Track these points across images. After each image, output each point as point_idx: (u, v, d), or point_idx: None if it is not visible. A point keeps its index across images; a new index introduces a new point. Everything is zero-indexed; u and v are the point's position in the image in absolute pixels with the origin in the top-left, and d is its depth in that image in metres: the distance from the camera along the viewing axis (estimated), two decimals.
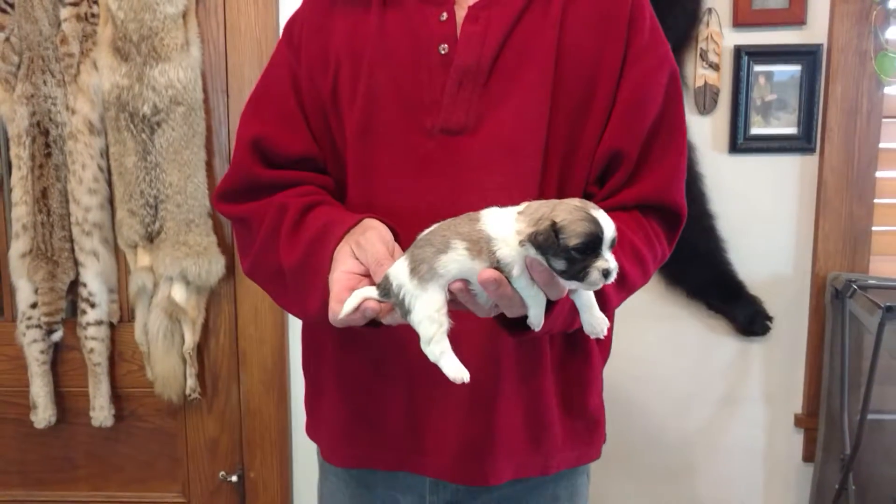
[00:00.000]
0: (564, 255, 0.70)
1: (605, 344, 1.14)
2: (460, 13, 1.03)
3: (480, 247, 0.75)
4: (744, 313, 1.94)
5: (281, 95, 1.07)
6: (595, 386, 1.12)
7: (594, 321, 0.80)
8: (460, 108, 1.00)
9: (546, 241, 0.70)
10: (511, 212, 0.76)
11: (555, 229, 0.70)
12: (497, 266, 0.75)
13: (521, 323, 0.84)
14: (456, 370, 0.78)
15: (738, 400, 2.01)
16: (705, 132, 1.90)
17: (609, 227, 0.71)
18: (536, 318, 0.78)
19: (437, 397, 1.02)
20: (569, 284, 0.75)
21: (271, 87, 1.09)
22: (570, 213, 0.71)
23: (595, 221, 0.70)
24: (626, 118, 1.02)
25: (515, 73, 1.00)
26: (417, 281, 0.78)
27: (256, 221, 1.03)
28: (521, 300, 0.78)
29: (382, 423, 1.04)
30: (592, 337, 0.82)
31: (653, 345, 1.99)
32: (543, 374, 1.04)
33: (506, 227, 0.75)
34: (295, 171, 1.05)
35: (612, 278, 0.74)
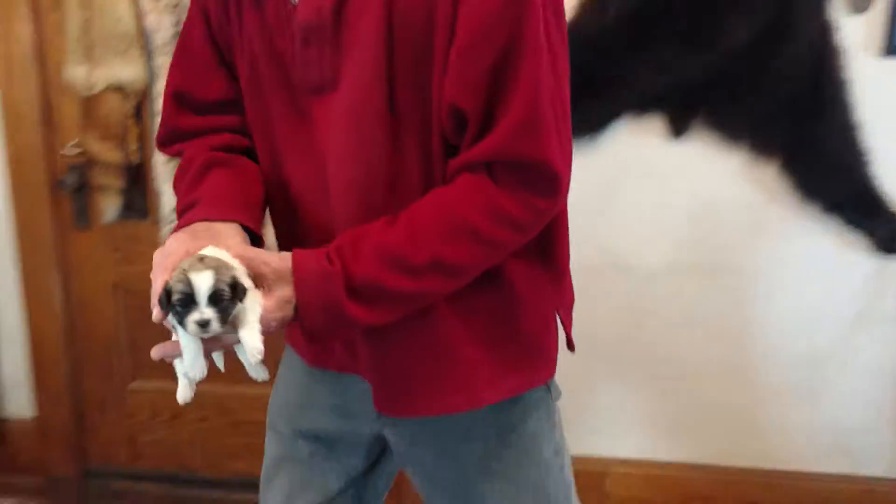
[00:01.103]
0: (173, 309, 0.84)
1: (552, 266, 1.04)
2: None
3: None
4: (883, 229, 1.86)
5: (195, 42, 1.06)
6: (528, 309, 1.02)
7: (245, 351, 0.88)
8: (313, 67, 0.93)
9: (162, 299, 0.84)
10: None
11: (166, 288, 0.84)
12: None
13: None
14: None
15: (873, 320, 1.94)
16: (858, 33, 1.77)
17: (202, 285, 0.82)
18: (190, 366, 0.87)
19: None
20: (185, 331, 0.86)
21: (187, 34, 1.08)
22: (176, 273, 0.84)
23: (187, 282, 0.82)
24: (458, 66, 0.87)
25: (356, 25, 0.89)
26: None
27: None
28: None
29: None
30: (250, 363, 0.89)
31: (785, 262, 1.92)
32: (438, 318, 0.98)
33: None
34: (213, 116, 1.06)
35: (212, 328, 0.82)
